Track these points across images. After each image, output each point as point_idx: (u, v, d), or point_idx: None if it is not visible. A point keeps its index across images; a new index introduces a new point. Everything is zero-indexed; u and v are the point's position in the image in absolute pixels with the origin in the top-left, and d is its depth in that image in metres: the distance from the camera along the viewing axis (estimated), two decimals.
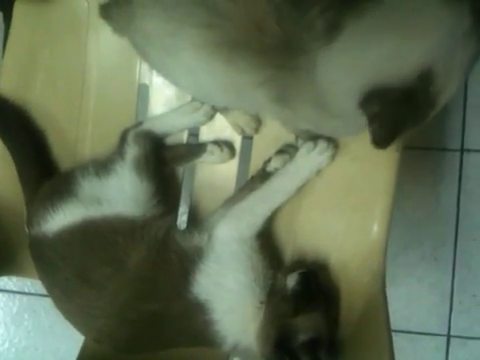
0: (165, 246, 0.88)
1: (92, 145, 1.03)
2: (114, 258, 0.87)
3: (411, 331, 1.61)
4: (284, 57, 0.68)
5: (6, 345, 1.67)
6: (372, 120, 0.65)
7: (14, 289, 1.68)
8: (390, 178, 0.94)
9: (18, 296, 1.68)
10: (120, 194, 0.91)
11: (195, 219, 0.99)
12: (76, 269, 0.88)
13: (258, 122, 0.97)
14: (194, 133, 1.01)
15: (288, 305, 0.85)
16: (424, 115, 0.66)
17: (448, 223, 1.56)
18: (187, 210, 1.01)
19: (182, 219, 1.00)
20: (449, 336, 1.60)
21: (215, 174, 1.01)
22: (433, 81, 0.62)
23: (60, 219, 0.90)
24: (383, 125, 0.65)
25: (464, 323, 1.60)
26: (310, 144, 0.90)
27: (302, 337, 0.82)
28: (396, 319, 1.52)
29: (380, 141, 0.66)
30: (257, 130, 0.98)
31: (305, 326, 0.83)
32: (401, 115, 0.64)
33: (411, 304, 1.61)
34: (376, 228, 0.95)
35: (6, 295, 1.68)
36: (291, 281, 0.88)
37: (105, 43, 1.01)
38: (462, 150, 1.52)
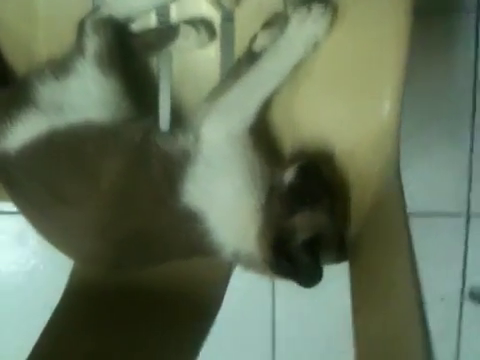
0: (144, 152, 0.77)
1: (48, 44, 0.88)
2: (87, 172, 0.77)
3: (429, 213, 1.54)
4: None
5: (13, 268, 1.63)
6: None
7: (13, 210, 1.61)
8: (401, 47, 0.80)
9: (18, 216, 1.61)
10: (84, 97, 0.78)
11: (178, 117, 0.87)
12: (49, 188, 0.78)
13: None
14: (163, 15, 0.85)
15: (285, 203, 0.75)
16: None
17: (464, 95, 1.43)
18: (168, 107, 0.88)
19: (164, 118, 0.88)
20: (468, 215, 1.54)
21: (196, 62, 0.87)
22: None
23: (21, 133, 0.79)
24: None
25: None
26: (303, 10, 0.76)
27: (301, 237, 0.73)
28: (412, 202, 1.47)
29: None
30: (238, 1, 0.82)
31: (304, 225, 0.74)
32: None
33: (428, 185, 1.53)
34: (387, 107, 0.82)
35: (6, 217, 1.61)
36: (289, 176, 0.78)
37: None
38: (478, 11, 1.36)
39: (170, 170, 0.77)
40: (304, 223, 0.74)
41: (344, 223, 0.80)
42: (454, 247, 1.58)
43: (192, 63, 0.87)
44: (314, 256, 0.73)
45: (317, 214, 0.75)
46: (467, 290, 1.62)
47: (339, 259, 0.78)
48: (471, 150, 1.49)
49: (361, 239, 0.79)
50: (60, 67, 0.80)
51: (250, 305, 1.52)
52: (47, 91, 0.80)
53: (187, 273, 0.87)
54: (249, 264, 0.79)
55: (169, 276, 0.86)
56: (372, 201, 0.80)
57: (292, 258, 0.73)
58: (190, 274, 0.87)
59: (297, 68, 0.79)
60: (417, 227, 1.50)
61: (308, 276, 0.73)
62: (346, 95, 0.83)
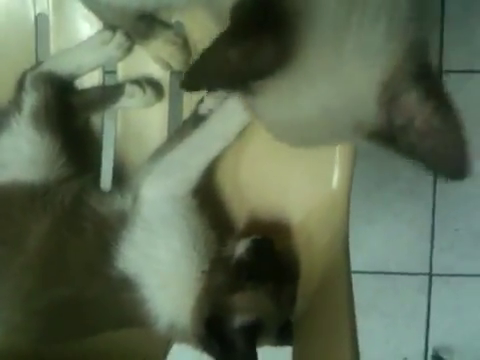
0: (75, 215, 0.73)
1: None
2: (11, 236, 0.72)
3: (391, 272, 1.51)
4: None
5: None
6: None
7: None
8: None
9: None
10: (16, 155, 0.74)
11: (119, 178, 0.83)
12: None
13: (187, 53, 0.79)
14: (111, 72, 0.83)
15: (228, 277, 0.70)
16: None
17: None
18: (111, 166, 0.84)
19: (105, 177, 0.83)
20: (431, 275, 1.52)
21: (142, 122, 0.83)
22: None
23: None
24: None
25: (447, 260, 1.51)
26: None
27: (239, 319, 0.68)
28: (375, 260, 1.42)
29: None
30: (187, 63, 0.79)
31: (244, 306, 0.69)
32: None
33: (390, 243, 1.51)
34: (337, 174, 0.79)
35: None
36: (240, 249, 0.73)
37: None
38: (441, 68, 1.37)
39: (105, 234, 0.72)
40: (244, 304, 0.69)
41: (290, 309, 0.73)
42: (417, 306, 1.54)
43: (138, 123, 0.83)
44: (250, 343, 0.67)
45: (259, 296, 0.70)
46: (430, 351, 1.58)
47: (280, 344, 0.73)
48: (433, 208, 1.47)
49: (305, 323, 0.73)
50: None
51: None
52: None
53: (120, 346, 0.79)
54: (183, 338, 0.73)
55: (100, 349, 0.79)
56: (319, 280, 0.74)
57: (225, 340, 0.67)
58: (124, 347, 0.80)
59: (243, 130, 0.76)
60: (379, 285, 1.46)
61: None
62: (293, 161, 0.79)
